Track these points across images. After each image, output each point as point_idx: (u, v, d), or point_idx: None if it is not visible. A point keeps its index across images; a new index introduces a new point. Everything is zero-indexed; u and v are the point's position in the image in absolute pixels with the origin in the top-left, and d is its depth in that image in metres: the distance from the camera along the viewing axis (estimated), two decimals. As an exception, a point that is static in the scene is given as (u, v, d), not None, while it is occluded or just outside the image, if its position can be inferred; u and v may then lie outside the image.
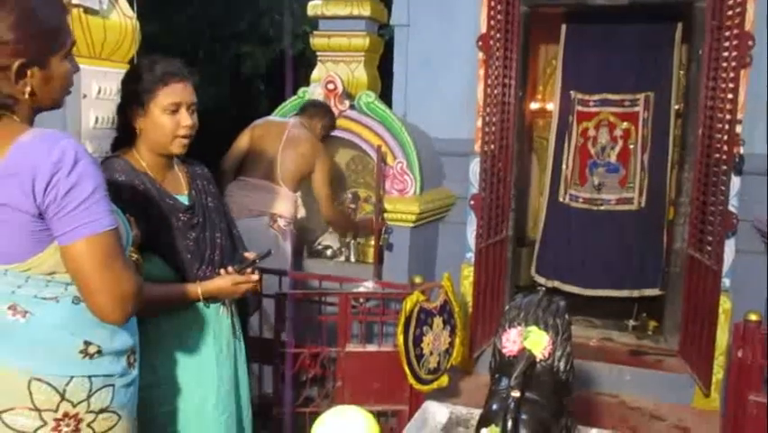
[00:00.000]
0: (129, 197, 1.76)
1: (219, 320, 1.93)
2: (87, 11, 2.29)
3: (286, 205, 3.52)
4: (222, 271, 1.86)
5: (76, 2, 2.22)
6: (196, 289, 1.81)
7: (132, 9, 2.54)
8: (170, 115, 1.80)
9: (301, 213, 3.62)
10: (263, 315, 2.87)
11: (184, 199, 1.90)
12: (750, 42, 3.31)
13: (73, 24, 2.23)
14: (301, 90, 4.10)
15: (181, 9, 7.41)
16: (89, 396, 1.36)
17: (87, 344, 1.37)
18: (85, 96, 2.30)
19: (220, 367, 1.91)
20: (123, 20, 2.47)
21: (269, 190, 3.49)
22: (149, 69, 1.82)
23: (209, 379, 1.88)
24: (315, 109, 3.80)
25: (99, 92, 2.34)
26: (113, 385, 1.40)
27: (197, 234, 1.87)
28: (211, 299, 1.85)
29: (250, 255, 1.94)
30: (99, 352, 1.38)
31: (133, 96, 1.82)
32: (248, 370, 2.08)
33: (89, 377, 1.36)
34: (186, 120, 1.81)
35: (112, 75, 2.38)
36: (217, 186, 2.09)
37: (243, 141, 3.62)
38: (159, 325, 1.81)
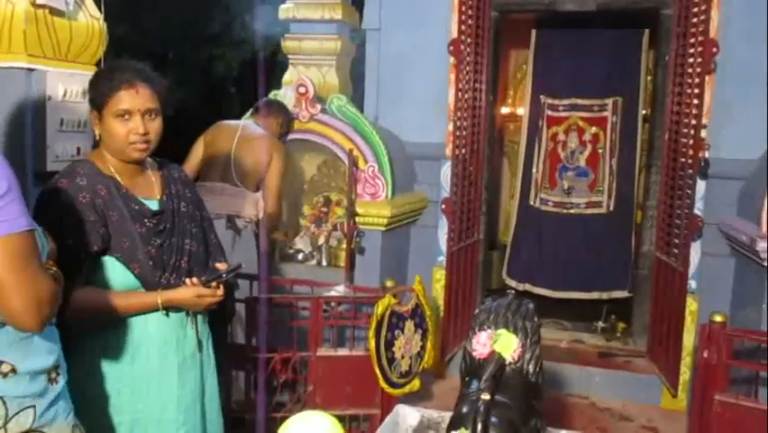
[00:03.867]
0: (87, 201, 1.73)
1: (183, 331, 1.88)
2: (53, 11, 2.25)
3: (244, 204, 3.44)
4: (187, 281, 1.82)
5: (41, 2, 2.19)
6: (156, 297, 1.78)
7: (100, 10, 2.49)
8: (122, 122, 1.78)
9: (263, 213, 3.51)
10: (236, 319, 2.84)
11: (153, 204, 1.87)
12: (714, 49, 3.37)
13: (38, 25, 2.21)
14: (272, 93, 4.08)
15: (151, 10, 7.33)
16: (6, 422, 1.29)
17: None
18: (50, 98, 2.25)
19: (182, 379, 1.87)
20: (90, 21, 2.43)
21: (224, 192, 3.41)
22: (105, 74, 1.84)
23: (170, 390, 1.85)
24: (269, 108, 3.74)
25: (65, 94, 2.29)
26: (34, 406, 1.34)
27: (163, 241, 1.84)
28: (172, 308, 1.81)
29: (221, 267, 1.90)
30: (13, 371, 1.31)
31: (92, 103, 1.83)
32: (218, 382, 2.03)
33: (2, 398, 1.30)
34: (138, 127, 1.78)
35: (78, 77, 2.34)
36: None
37: (198, 147, 3.58)
38: (120, 333, 1.78)
